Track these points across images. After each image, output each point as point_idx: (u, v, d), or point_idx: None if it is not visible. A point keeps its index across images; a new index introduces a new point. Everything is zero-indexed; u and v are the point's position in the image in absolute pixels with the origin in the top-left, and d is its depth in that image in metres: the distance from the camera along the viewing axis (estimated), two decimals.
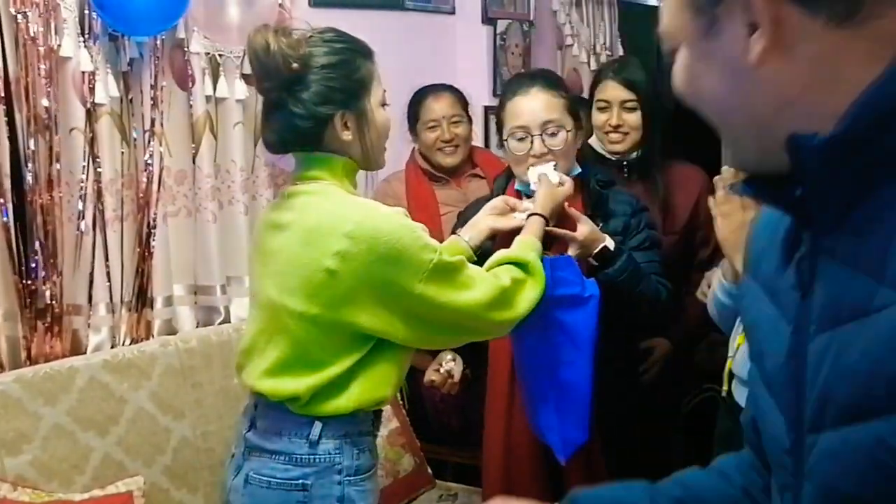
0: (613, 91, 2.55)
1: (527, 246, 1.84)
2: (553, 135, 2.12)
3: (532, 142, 2.11)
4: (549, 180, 2.04)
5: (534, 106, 2.13)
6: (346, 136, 1.68)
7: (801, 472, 0.83)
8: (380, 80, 1.75)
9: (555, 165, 2.11)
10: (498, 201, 2.09)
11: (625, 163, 2.55)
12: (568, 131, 2.13)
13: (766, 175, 0.82)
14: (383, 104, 1.76)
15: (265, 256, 1.71)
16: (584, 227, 2.02)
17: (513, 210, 2.05)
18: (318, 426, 1.66)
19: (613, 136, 2.55)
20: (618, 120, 2.53)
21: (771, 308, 0.87)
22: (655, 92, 2.56)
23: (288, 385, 1.65)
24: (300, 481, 1.66)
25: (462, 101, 2.99)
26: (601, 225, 2.11)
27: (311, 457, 1.66)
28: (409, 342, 1.67)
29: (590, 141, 2.62)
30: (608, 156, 2.58)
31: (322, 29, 1.73)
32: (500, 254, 1.82)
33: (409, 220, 1.66)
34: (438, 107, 2.91)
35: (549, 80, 2.20)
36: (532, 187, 2.09)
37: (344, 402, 1.66)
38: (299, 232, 1.63)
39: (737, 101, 0.79)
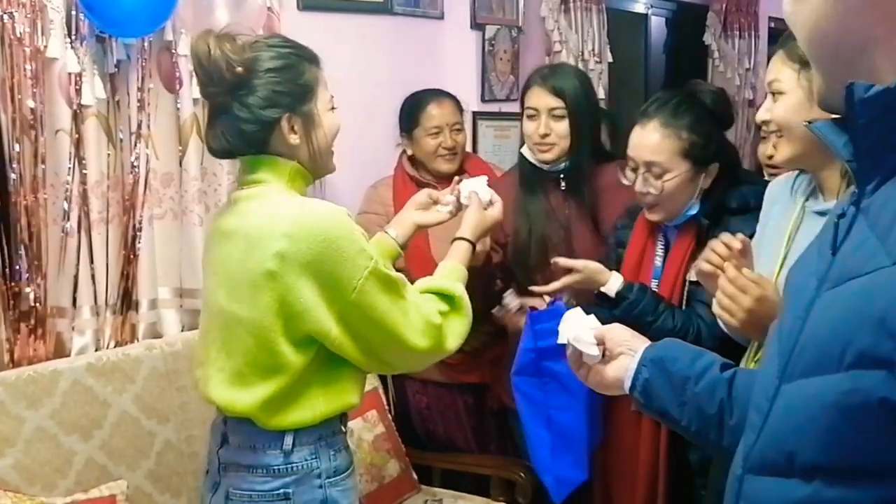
0: (541, 98, 2.46)
1: (453, 274, 1.83)
2: (658, 177, 2.06)
3: (637, 177, 2.09)
4: (478, 199, 2.03)
5: (643, 142, 2.08)
6: (294, 139, 1.68)
7: (767, 418, 0.87)
8: (326, 85, 1.75)
9: (487, 181, 2.10)
10: (421, 195, 2.09)
11: (561, 176, 2.48)
12: (672, 175, 2.05)
13: (842, 119, 0.83)
14: (331, 108, 1.75)
15: (213, 265, 1.72)
16: (575, 276, 2.07)
17: (436, 203, 2.07)
18: (289, 437, 1.67)
19: (541, 145, 2.46)
20: (545, 129, 2.43)
21: (813, 266, 0.89)
22: (587, 98, 2.47)
23: (241, 398, 1.65)
24: (281, 491, 1.66)
25: (460, 108, 3.02)
26: (702, 251, 2.04)
27: (288, 466, 1.67)
28: (342, 349, 1.64)
29: (522, 150, 2.55)
30: (539, 165, 2.50)
31: (268, 35, 1.73)
32: (427, 282, 1.80)
33: (351, 221, 1.65)
34: (441, 113, 2.91)
35: (673, 114, 2.06)
36: (463, 202, 2.08)
37: (310, 414, 1.66)
38: (242, 238, 1.63)
39: (832, 27, 0.81)
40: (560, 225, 2.48)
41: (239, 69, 1.61)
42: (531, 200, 2.50)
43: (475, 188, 2.06)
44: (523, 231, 2.49)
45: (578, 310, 1.45)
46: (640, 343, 1.29)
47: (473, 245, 1.95)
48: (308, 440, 1.68)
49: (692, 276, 2.07)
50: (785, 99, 1.65)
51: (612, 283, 2.10)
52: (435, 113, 2.90)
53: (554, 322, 2.07)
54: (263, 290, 1.58)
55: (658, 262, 2.20)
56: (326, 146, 1.74)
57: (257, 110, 1.64)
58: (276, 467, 1.66)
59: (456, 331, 1.74)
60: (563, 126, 2.43)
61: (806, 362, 0.82)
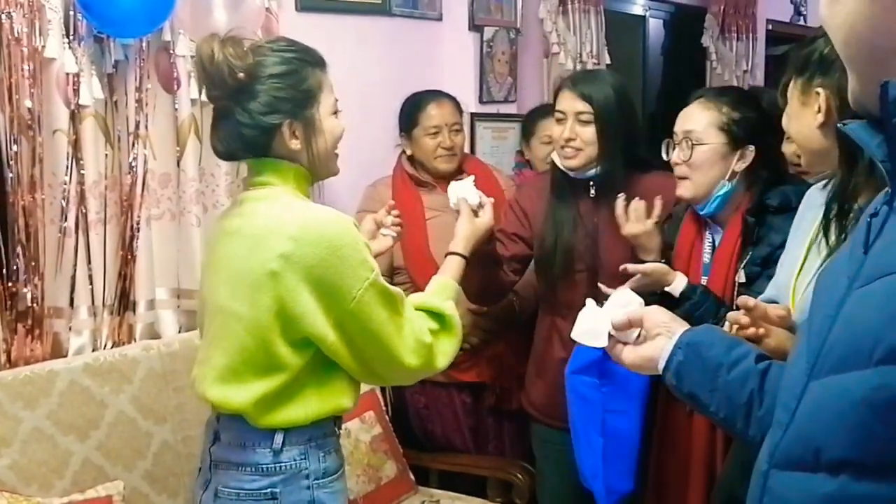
0: (568, 102, 2.37)
1: (444, 292, 1.84)
2: (691, 147, 2.13)
3: (675, 149, 2.17)
4: (467, 206, 2.02)
5: (685, 114, 2.19)
6: (294, 144, 1.69)
7: (794, 414, 0.88)
8: (332, 89, 1.75)
9: (474, 181, 2.09)
10: (367, 223, 2.09)
11: (591, 182, 2.41)
12: (704, 144, 2.12)
13: (876, 120, 0.84)
14: (335, 112, 1.76)
15: (215, 264, 1.72)
16: (643, 279, 2.10)
17: (381, 227, 2.10)
18: (279, 436, 1.67)
19: (567, 150, 2.37)
20: (570, 133, 2.34)
21: (843, 266, 0.90)
22: (619, 105, 2.38)
23: (236, 395, 1.65)
24: (268, 490, 1.66)
25: (459, 109, 3.04)
26: (749, 250, 2.09)
27: (277, 465, 1.67)
28: (337, 355, 1.65)
29: (552, 155, 2.47)
30: (568, 173, 2.41)
31: (273, 38, 1.73)
32: (419, 298, 1.80)
33: (357, 230, 1.66)
34: (440, 113, 2.93)
35: (717, 95, 2.20)
36: (452, 208, 2.07)
37: (302, 413, 1.67)
38: (246, 238, 1.64)
39: (868, 28, 0.81)
40: (587, 233, 2.42)
41: (241, 75, 1.62)
42: (560, 207, 2.44)
43: (463, 193, 2.05)
44: (549, 239, 2.45)
45: (591, 302, 1.46)
46: (678, 326, 1.32)
47: (466, 259, 1.96)
48: (298, 440, 1.68)
49: (741, 279, 2.10)
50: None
51: (678, 283, 2.11)
52: (434, 113, 2.92)
53: None
54: (264, 290, 1.59)
55: (706, 258, 2.23)
56: (327, 151, 1.74)
57: (258, 116, 1.65)
58: (264, 466, 1.67)
59: (445, 350, 1.75)
60: (589, 131, 2.34)
61: (835, 359, 0.82)
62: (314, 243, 1.57)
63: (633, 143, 2.44)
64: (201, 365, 1.75)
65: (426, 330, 1.71)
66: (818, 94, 1.57)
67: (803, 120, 1.63)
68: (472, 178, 2.12)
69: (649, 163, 2.48)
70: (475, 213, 2.07)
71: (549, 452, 2.59)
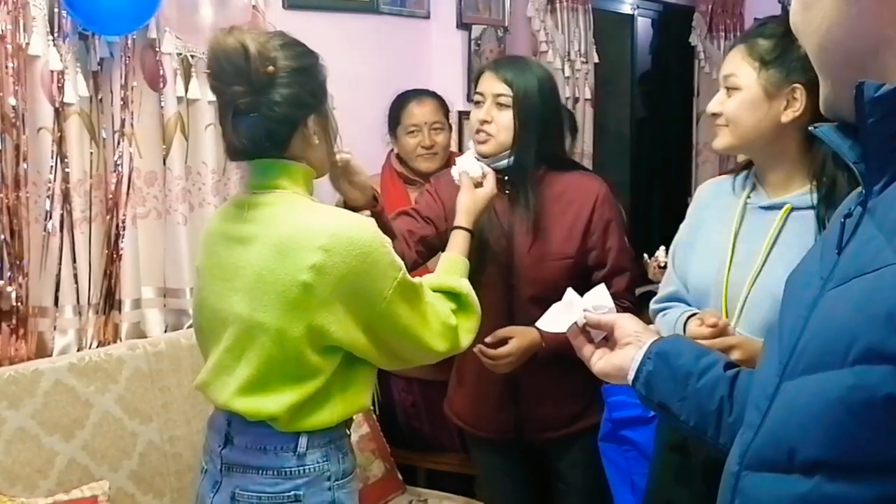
0: (488, 84, 2.20)
1: (455, 268, 1.85)
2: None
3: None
4: (468, 178, 2.00)
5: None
6: (315, 140, 1.66)
7: (766, 415, 0.87)
8: None
9: (476, 157, 2.04)
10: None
11: (506, 177, 2.20)
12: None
13: (846, 124, 0.84)
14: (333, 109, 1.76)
15: (225, 271, 1.66)
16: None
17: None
18: (303, 439, 1.65)
19: (480, 133, 2.18)
20: (486, 115, 2.17)
21: (815, 266, 0.90)
22: (541, 95, 2.19)
23: (266, 404, 1.63)
24: (292, 493, 1.65)
25: (444, 108, 3.03)
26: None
27: (301, 468, 1.65)
28: (367, 354, 1.65)
29: (469, 143, 2.28)
30: (481, 160, 2.19)
31: (273, 33, 1.68)
32: (433, 280, 1.78)
33: (379, 231, 1.64)
34: (421, 112, 2.94)
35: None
36: (455, 181, 2.05)
37: (328, 416, 1.66)
38: (269, 246, 1.59)
39: (844, 31, 0.81)
40: (502, 234, 2.22)
41: (270, 68, 1.57)
42: None
43: (464, 167, 2.03)
44: None
45: (570, 291, 1.45)
46: (648, 336, 1.31)
47: (471, 232, 1.95)
48: (320, 443, 1.67)
49: None
50: (740, 95, 1.66)
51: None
52: (415, 112, 2.93)
53: (626, 394, 2.08)
54: (294, 301, 1.56)
55: None
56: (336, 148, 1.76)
57: (287, 110, 1.60)
58: (288, 469, 1.65)
59: (467, 327, 1.77)
60: (506, 116, 2.16)
61: (809, 359, 0.82)
62: (345, 252, 1.55)
63: (550, 137, 2.25)
64: (217, 372, 1.68)
65: (448, 311, 1.72)
66: (796, 89, 1.59)
67: (763, 110, 1.63)
68: (470, 151, 2.07)
69: (568, 162, 2.38)
70: (478, 185, 2.03)
71: (490, 478, 2.51)
